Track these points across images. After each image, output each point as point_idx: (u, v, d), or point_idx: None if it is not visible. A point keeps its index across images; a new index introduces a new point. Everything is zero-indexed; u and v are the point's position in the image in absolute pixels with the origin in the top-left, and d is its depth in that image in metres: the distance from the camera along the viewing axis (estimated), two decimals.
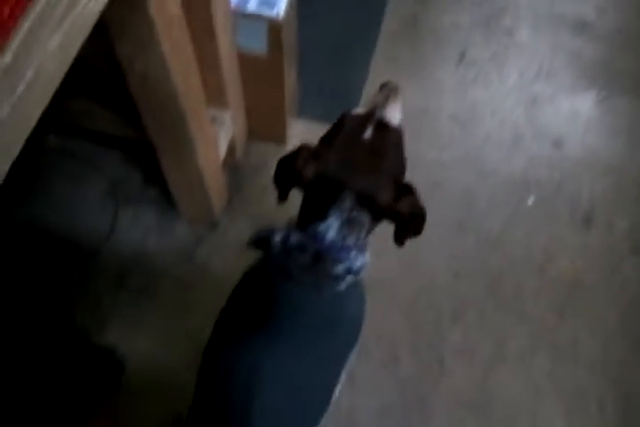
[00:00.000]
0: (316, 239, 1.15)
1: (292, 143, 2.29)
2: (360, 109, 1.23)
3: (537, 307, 2.02)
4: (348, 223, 1.14)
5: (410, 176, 2.15)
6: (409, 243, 2.07)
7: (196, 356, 1.82)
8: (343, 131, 1.17)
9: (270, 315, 1.21)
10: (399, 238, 1.21)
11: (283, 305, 1.21)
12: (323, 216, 1.15)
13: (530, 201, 2.20)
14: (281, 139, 2.28)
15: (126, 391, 1.91)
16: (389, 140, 1.18)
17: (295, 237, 1.17)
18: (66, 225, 2.21)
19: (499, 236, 2.14)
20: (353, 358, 1.43)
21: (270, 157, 2.26)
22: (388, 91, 1.26)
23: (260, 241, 1.24)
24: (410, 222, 1.17)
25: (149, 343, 1.99)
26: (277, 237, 1.19)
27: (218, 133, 1.97)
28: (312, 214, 1.17)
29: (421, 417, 1.86)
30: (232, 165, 2.23)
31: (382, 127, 1.18)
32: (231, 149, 2.14)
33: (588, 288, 2.04)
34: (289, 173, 1.17)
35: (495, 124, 2.37)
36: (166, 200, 2.18)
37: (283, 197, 1.24)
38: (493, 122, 2.38)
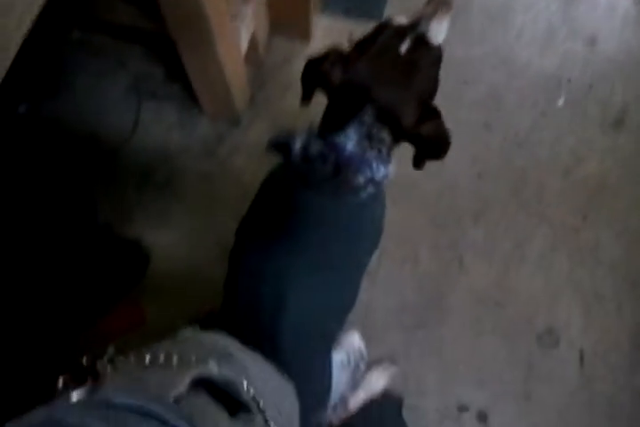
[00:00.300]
0: (336, 150, 1.11)
1: (316, 40, 2.19)
2: (403, 19, 1.13)
3: (560, 209, 1.96)
4: (368, 138, 1.10)
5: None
6: None
7: (217, 248, 1.84)
8: (379, 40, 1.09)
9: (292, 223, 1.20)
10: (418, 162, 1.16)
11: (304, 214, 1.19)
12: (342, 127, 1.10)
13: (560, 101, 2.11)
14: (305, 35, 2.18)
15: (150, 282, 1.92)
16: (426, 57, 1.10)
17: (316, 147, 1.13)
18: (89, 120, 2.17)
19: (525, 137, 2.06)
20: (374, 258, 1.42)
21: (294, 54, 2.18)
22: (437, 3, 1.14)
23: (280, 146, 1.19)
24: (431, 147, 1.12)
25: (173, 236, 1.98)
26: (297, 145, 1.15)
27: (239, 27, 1.88)
28: (333, 123, 1.13)
29: (439, 315, 1.85)
30: (255, 62, 2.15)
31: (422, 43, 1.10)
32: (253, 45, 2.05)
33: (612, 191, 1.98)
34: (316, 74, 1.11)
35: (528, 20, 2.25)
36: (189, 96, 2.13)
37: (306, 98, 1.18)
38: (526, 17, 2.25)
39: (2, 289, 1.78)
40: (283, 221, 1.20)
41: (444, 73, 2.09)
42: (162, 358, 0.77)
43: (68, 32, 2.27)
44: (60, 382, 0.71)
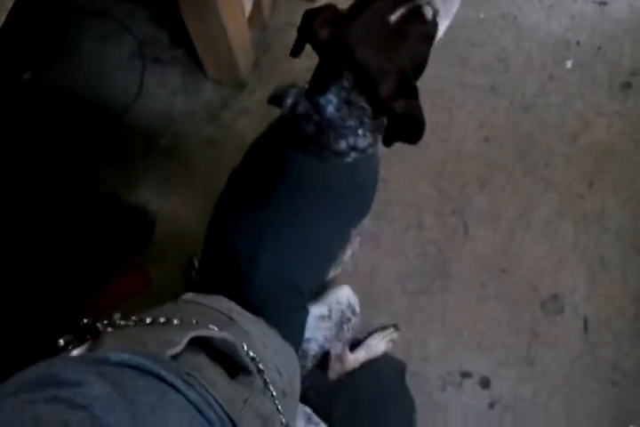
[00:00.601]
0: (318, 111, 1.10)
1: (322, 2, 2.11)
2: None
3: (566, 175, 1.91)
4: (347, 104, 1.08)
5: (444, 37, 2.02)
6: (439, 107, 1.97)
7: None
8: (374, 4, 1.04)
9: (276, 180, 1.19)
10: (387, 138, 1.09)
11: (289, 170, 1.18)
12: (324, 89, 1.08)
13: (568, 64, 2.04)
14: None
15: (156, 247, 1.90)
16: (417, 31, 1.04)
17: (303, 106, 1.12)
18: (93, 85, 2.12)
19: (533, 100, 2.00)
20: (366, 222, 1.41)
21: (299, 16, 2.10)
22: None
23: (277, 98, 1.18)
24: (404, 126, 1.04)
25: (178, 201, 1.95)
26: (289, 99, 1.14)
27: None
28: (318, 84, 1.10)
29: (443, 281, 1.82)
30: (259, 24, 2.08)
31: (416, 15, 1.04)
32: (257, 7, 1.98)
33: (620, 158, 1.92)
34: (307, 28, 1.08)
35: None
36: (193, 61, 2.07)
37: (295, 51, 1.14)
38: None
39: (9, 254, 1.77)
40: (267, 177, 1.19)
41: (451, 35, 2.04)
42: (162, 320, 0.78)
43: None
44: (62, 341, 0.71)
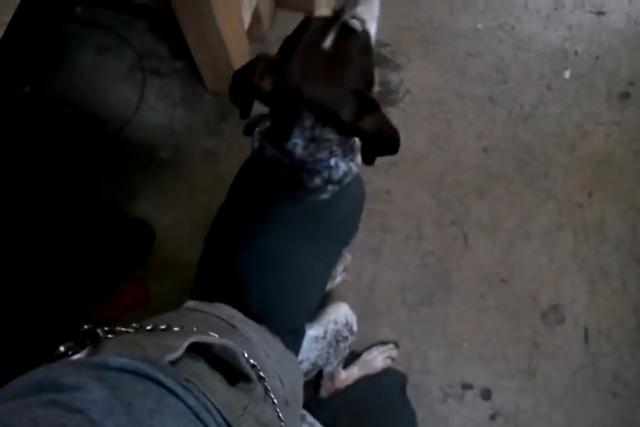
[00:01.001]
0: (286, 155, 1.07)
1: (321, 13, 2.10)
2: (326, 11, 1.07)
3: (565, 185, 1.89)
4: (314, 141, 1.05)
5: (443, 46, 2.01)
6: (438, 118, 1.95)
7: None
8: (304, 37, 1.01)
9: (256, 226, 1.16)
10: (366, 157, 1.07)
11: (268, 218, 1.16)
12: (287, 135, 1.05)
13: (566, 74, 2.02)
14: (309, 8, 2.09)
15: (155, 260, 1.88)
16: (354, 47, 1.03)
17: (269, 151, 1.09)
18: (94, 97, 2.11)
19: (531, 110, 1.98)
20: (356, 240, 1.40)
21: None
22: None
23: (249, 128, 1.16)
24: (378, 141, 1.03)
25: (178, 214, 1.94)
26: (255, 142, 1.12)
27: (241, 0, 1.80)
28: (278, 132, 1.07)
29: (443, 292, 1.80)
30: (258, 37, 2.07)
31: (347, 32, 1.02)
32: (256, 19, 1.97)
33: (618, 167, 1.90)
34: (247, 85, 1.03)
35: None
36: (193, 73, 2.06)
37: (244, 113, 1.11)
38: None
39: (7, 268, 1.75)
40: (246, 224, 1.17)
41: (449, 45, 2.03)
42: (162, 327, 0.77)
43: (71, 7, 2.19)
44: (62, 347, 0.70)
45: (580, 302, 1.76)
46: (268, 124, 1.12)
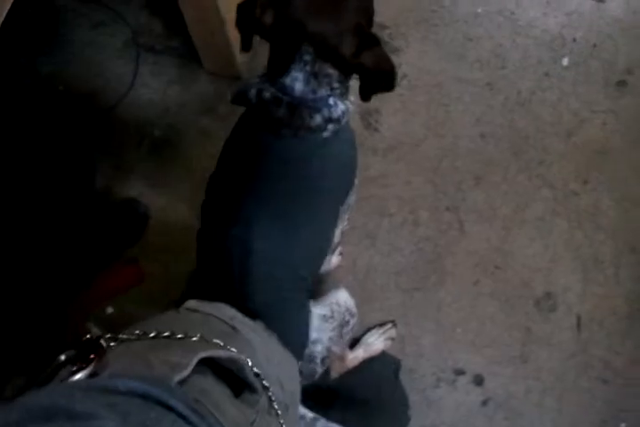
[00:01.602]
0: (286, 92, 1.08)
1: None
2: None
3: (561, 172, 1.88)
4: (314, 76, 1.07)
5: (442, 31, 1.98)
6: (435, 102, 1.93)
7: None
8: None
9: (257, 169, 1.17)
10: (364, 93, 1.10)
11: (268, 157, 1.16)
12: (286, 70, 1.07)
13: (564, 61, 2.00)
14: None
15: (149, 241, 1.86)
16: None
17: (268, 92, 1.09)
18: (87, 74, 2.07)
19: (529, 97, 1.96)
20: (352, 199, 1.39)
21: None
22: None
23: (240, 96, 1.16)
24: (376, 77, 1.07)
25: (172, 194, 1.91)
26: (252, 92, 1.12)
27: None
28: (278, 67, 1.09)
29: (437, 278, 1.79)
30: None
31: None
32: None
33: (614, 156, 1.89)
34: (249, 18, 1.06)
35: None
36: (188, 51, 2.02)
37: (246, 46, 1.14)
38: None
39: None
40: (249, 168, 1.18)
41: (448, 30, 2.00)
42: (166, 333, 0.76)
43: None
44: (63, 357, 0.69)
45: (574, 289, 1.76)
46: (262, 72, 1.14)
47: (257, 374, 0.79)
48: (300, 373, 1.18)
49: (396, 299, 1.77)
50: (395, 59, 1.87)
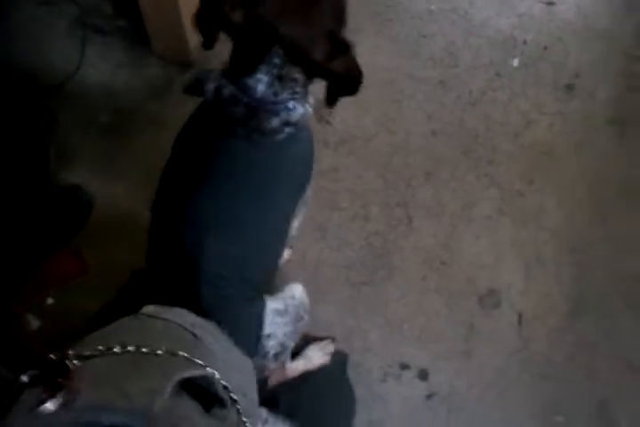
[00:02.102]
0: (247, 93, 1.09)
1: None
2: None
3: (508, 172, 1.97)
4: (279, 79, 1.08)
5: (396, 26, 2.04)
6: (388, 99, 2.00)
7: None
8: None
9: (209, 169, 1.18)
10: (331, 98, 1.13)
11: (221, 159, 1.18)
12: (252, 71, 1.07)
13: (515, 62, 2.09)
14: None
15: (92, 230, 1.87)
16: None
17: (227, 89, 1.10)
18: (30, 54, 2.04)
19: (480, 96, 2.05)
20: (308, 194, 1.42)
21: None
22: None
23: (194, 87, 1.18)
24: (344, 82, 1.09)
25: (118, 182, 1.92)
26: (210, 86, 1.13)
27: None
28: (242, 66, 1.09)
29: (386, 272, 1.85)
30: None
31: None
32: None
33: (560, 158, 1.99)
34: (215, 15, 1.05)
35: None
36: (138, 34, 2.02)
37: (208, 43, 1.14)
38: None
39: None
40: (201, 167, 1.19)
41: (403, 26, 2.07)
42: (131, 348, 0.76)
43: None
44: (25, 377, 0.69)
45: (516, 287, 1.86)
46: (222, 67, 1.14)
47: (225, 387, 0.80)
48: None
49: (344, 293, 1.83)
50: None
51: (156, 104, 1.99)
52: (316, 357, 1.72)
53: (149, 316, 0.97)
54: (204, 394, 0.77)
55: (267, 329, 1.30)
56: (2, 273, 1.74)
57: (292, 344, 1.43)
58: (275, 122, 1.12)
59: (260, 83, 1.08)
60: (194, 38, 1.95)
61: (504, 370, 1.77)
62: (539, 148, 1.99)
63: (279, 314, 1.34)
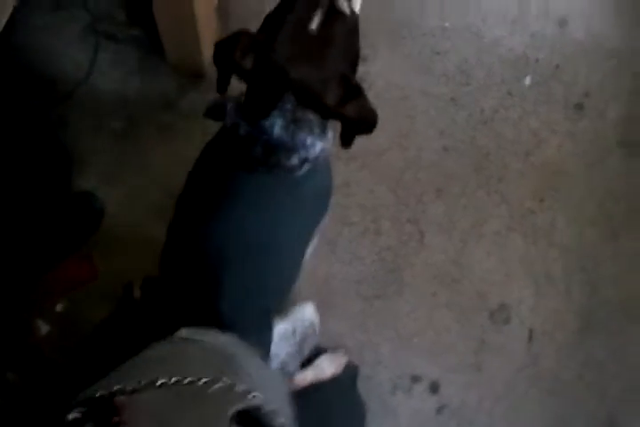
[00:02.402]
0: (264, 133, 1.13)
1: None
2: None
3: (519, 190, 2.07)
4: (294, 122, 1.12)
5: (410, 43, 2.15)
6: (401, 114, 2.09)
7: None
8: (290, 16, 1.06)
9: (227, 202, 1.22)
10: (345, 141, 1.14)
11: (242, 191, 1.22)
12: (266, 115, 1.11)
13: (527, 81, 2.20)
14: None
15: (103, 237, 1.94)
16: (341, 29, 1.09)
17: (244, 128, 1.14)
18: (42, 59, 2.11)
19: (491, 114, 2.14)
20: (325, 222, 1.48)
21: (267, 5, 2.17)
22: None
23: (214, 112, 1.22)
24: (357, 126, 1.10)
25: (129, 189, 1.99)
26: (228, 120, 1.17)
27: None
28: (256, 110, 1.13)
29: (397, 287, 1.94)
30: (223, 13, 2.13)
31: (334, 13, 1.08)
32: None
33: (570, 177, 2.08)
34: (227, 61, 1.07)
35: None
36: (151, 43, 2.08)
37: (222, 87, 1.14)
38: None
39: None
40: (221, 196, 1.23)
41: (416, 43, 2.17)
42: (176, 379, 0.75)
43: None
44: (71, 416, 0.68)
45: (527, 303, 1.95)
46: (241, 100, 1.17)
47: (272, 411, 0.77)
48: None
49: (355, 307, 1.91)
50: (362, 68, 2.00)
51: (168, 113, 2.07)
52: (327, 367, 1.77)
53: (185, 340, 1.01)
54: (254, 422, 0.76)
55: (272, 349, 1.33)
56: (13, 279, 1.81)
57: (295, 362, 1.48)
58: (294, 160, 1.15)
59: (276, 125, 1.12)
60: (208, 51, 2.04)
61: (513, 385, 1.86)
62: (549, 166, 2.09)
63: (286, 336, 1.38)
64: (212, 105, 1.24)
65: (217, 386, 0.75)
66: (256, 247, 1.23)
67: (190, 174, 1.34)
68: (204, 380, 0.75)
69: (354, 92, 1.06)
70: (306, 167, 1.19)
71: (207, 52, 2.02)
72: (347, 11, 1.09)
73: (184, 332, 1.05)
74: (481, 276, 1.97)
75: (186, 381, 0.75)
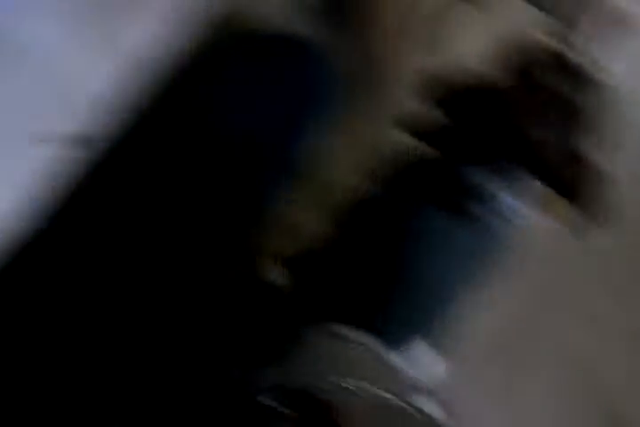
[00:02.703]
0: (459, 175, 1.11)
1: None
2: (539, 35, 1.01)
3: None
4: (495, 171, 1.08)
5: None
6: None
7: None
8: (548, 84, 1.02)
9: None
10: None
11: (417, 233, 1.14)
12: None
13: None
14: None
15: None
16: (590, 103, 1.01)
17: None
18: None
19: None
20: None
21: None
22: (608, 14, 0.99)
23: None
24: (569, 191, 1.05)
25: None
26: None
27: None
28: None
29: None
30: None
31: (580, 78, 1.00)
32: None
33: None
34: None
35: None
36: None
37: None
38: None
39: None
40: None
41: None
42: (356, 384, 0.78)
43: None
44: (287, 411, 0.73)
45: None
46: None
47: None
48: None
49: None
50: None
51: None
52: None
53: (344, 338, 0.99)
54: None
55: None
56: None
57: None
58: (476, 209, 1.11)
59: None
60: None
61: None
62: None
63: None
64: None
65: (422, 417, 0.78)
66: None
67: None
68: (414, 406, 0.78)
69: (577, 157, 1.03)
70: (487, 221, 1.13)
71: None
72: (603, 76, 1.05)
73: (339, 328, 1.04)
74: None
75: (388, 395, 0.77)
